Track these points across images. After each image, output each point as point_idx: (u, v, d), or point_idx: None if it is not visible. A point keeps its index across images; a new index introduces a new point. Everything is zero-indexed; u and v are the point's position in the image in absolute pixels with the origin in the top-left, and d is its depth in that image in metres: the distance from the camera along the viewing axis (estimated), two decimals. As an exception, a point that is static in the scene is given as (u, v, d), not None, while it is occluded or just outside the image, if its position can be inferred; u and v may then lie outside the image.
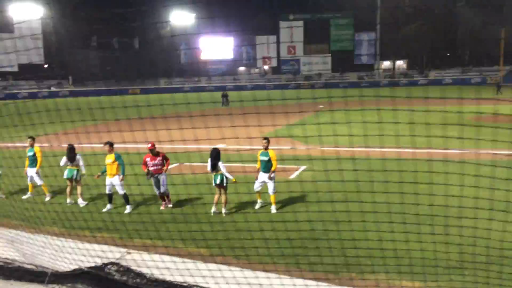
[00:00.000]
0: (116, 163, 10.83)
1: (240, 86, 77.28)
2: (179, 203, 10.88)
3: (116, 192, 10.92)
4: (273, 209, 10.17)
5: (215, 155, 10.15)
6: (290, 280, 6.00)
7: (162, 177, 10.74)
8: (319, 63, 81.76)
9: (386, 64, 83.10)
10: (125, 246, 7.34)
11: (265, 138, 10.40)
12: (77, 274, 5.78)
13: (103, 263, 5.82)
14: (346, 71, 79.45)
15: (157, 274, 5.68)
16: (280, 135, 19.32)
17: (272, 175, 10.24)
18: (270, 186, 10.23)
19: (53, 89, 75.57)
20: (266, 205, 10.43)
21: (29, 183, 12.59)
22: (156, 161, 10.72)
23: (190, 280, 5.66)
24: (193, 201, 11.01)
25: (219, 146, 10.21)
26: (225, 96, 43.74)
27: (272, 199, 10.23)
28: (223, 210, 10.10)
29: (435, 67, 74.24)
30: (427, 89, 53.74)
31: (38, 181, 12.32)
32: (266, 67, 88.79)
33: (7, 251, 6.67)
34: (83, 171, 11.78)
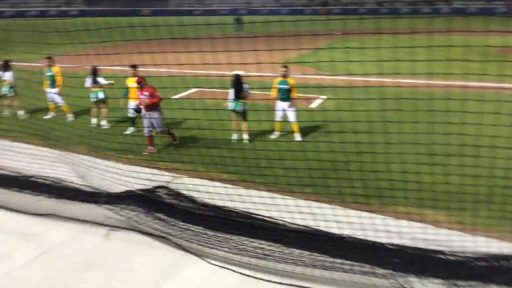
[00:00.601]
0: None
1: (253, 11, 74.73)
2: (200, 132, 10.80)
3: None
4: (297, 137, 10.09)
5: (238, 81, 9.97)
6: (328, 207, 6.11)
7: (154, 115, 9.56)
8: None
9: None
10: (159, 169, 7.44)
11: (284, 66, 10.12)
12: (129, 196, 5.98)
13: (154, 186, 5.98)
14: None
15: (206, 198, 5.83)
16: (298, 62, 18.88)
17: (292, 104, 10.12)
18: (291, 114, 10.13)
19: (63, 8, 73.68)
20: (284, 134, 10.39)
21: (49, 103, 12.66)
22: (143, 96, 9.46)
23: (240, 206, 5.79)
24: (214, 127, 11.00)
25: (237, 72, 9.99)
26: (238, 20, 42.25)
27: (295, 127, 10.15)
28: (245, 137, 10.11)
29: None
30: (449, 19, 51.37)
31: (60, 101, 12.36)
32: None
33: (58, 171, 6.84)
34: (111, 81, 11.62)
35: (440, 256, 4.84)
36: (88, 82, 11.68)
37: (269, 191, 6.82)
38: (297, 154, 8.02)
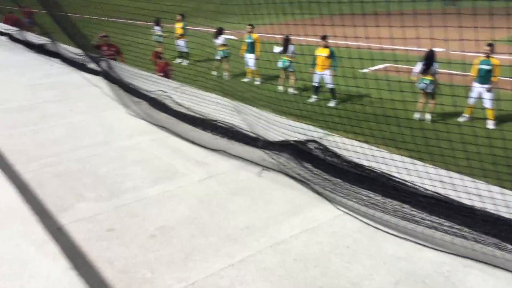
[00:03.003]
0: (330, 59, 11.37)
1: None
2: (385, 103, 11.10)
3: (323, 85, 11.67)
4: (490, 124, 9.44)
5: (430, 56, 9.77)
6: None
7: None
8: None
9: None
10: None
11: (489, 44, 9.33)
12: (283, 145, 6.94)
13: (306, 139, 6.81)
14: None
15: (352, 157, 6.38)
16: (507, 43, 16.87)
17: (491, 87, 9.39)
18: (488, 99, 9.45)
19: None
20: (475, 120, 9.75)
21: (246, 67, 14.45)
22: (109, 51, 11.29)
23: (384, 168, 6.17)
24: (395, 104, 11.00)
25: (438, 49, 9.62)
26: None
27: (489, 114, 9.47)
28: (427, 117, 9.95)
29: None
30: None
31: (252, 67, 14.03)
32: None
33: (231, 118, 8.19)
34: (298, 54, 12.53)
35: None
36: (277, 49, 12.83)
37: (410, 157, 6.87)
38: (483, 140, 7.41)
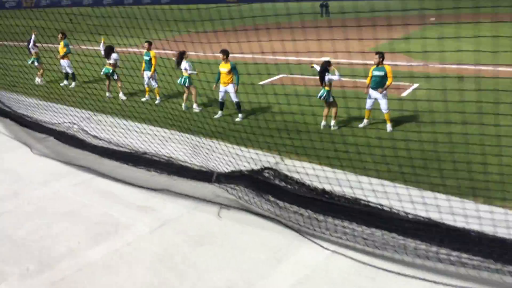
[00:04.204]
0: (232, 73, 10.92)
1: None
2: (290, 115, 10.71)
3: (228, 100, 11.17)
4: (388, 127, 9.76)
5: (324, 68, 9.84)
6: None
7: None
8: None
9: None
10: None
11: (378, 53, 9.78)
12: (237, 176, 6.11)
13: (261, 168, 6.04)
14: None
15: (314, 182, 5.77)
16: (389, 49, 17.88)
17: (384, 92, 9.73)
18: (383, 103, 9.75)
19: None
20: (373, 123, 10.00)
21: (145, 86, 13.32)
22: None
23: (349, 191, 5.66)
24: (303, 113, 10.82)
25: (325, 59, 9.86)
26: (324, 5, 41.32)
27: (386, 117, 9.80)
28: (332, 123, 9.93)
29: None
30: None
31: (154, 84, 12.98)
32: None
33: (166, 149, 7.17)
34: (194, 73, 11.97)
35: None
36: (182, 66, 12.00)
37: (379, 178, 6.56)
38: (395, 143, 7.57)
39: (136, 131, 8.09)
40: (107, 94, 13.36)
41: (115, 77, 12.98)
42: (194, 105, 11.98)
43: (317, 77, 9.90)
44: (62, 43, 16.43)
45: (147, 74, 12.98)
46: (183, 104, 11.98)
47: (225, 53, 10.91)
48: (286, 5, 50.90)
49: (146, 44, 13.14)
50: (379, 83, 9.70)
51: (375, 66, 9.73)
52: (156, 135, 7.68)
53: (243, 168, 6.44)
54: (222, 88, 10.85)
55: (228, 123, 10.08)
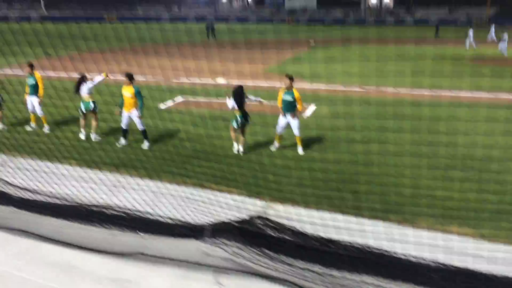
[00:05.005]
0: (136, 98, 9.95)
1: (222, 18, 74.02)
2: (199, 139, 10.14)
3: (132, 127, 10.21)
4: (300, 150, 9.75)
5: (241, 93, 9.54)
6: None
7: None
8: (304, -3, 78.51)
9: (373, 1, 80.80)
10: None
11: (288, 77, 9.75)
12: (224, 230, 5.21)
13: (250, 217, 5.21)
14: (331, 7, 76.87)
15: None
16: (277, 71, 18.13)
17: (296, 116, 9.71)
18: (295, 127, 9.71)
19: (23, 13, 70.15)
20: (285, 147, 9.96)
21: (31, 113, 11.58)
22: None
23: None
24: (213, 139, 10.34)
25: (219, 81, 9.68)
26: (210, 28, 40.81)
27: (298, 140, 9.79)
28: (241, 149, 9.62)
29: (422, 4, 72.09)
30: (414, 29, 53.35)
31: (39, 112, 11.33)
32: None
33: (126, 200, 6.00)
34: (102, 78, 10.79)
35: None
36: (84, 90, 10.71)
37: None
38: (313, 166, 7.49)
39: (75, 177, 6.72)
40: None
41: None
42: (94, 135, 10.57)
43: (222, 101, 9.52)
44: None
45: (31, 99, 11.26)
46: (81, 133, 10.50)
47: (129, 76, 9.91)
48: (175, 26, 50.18)
49: (27, 68, 11.50)
50: (290, 107, 9.60)
51: (285, 90, 9.57)
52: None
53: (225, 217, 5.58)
54: (125, 113, 9.77)
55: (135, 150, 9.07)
